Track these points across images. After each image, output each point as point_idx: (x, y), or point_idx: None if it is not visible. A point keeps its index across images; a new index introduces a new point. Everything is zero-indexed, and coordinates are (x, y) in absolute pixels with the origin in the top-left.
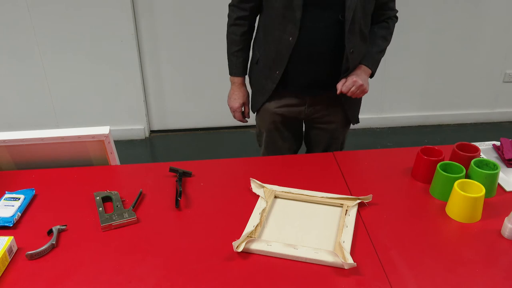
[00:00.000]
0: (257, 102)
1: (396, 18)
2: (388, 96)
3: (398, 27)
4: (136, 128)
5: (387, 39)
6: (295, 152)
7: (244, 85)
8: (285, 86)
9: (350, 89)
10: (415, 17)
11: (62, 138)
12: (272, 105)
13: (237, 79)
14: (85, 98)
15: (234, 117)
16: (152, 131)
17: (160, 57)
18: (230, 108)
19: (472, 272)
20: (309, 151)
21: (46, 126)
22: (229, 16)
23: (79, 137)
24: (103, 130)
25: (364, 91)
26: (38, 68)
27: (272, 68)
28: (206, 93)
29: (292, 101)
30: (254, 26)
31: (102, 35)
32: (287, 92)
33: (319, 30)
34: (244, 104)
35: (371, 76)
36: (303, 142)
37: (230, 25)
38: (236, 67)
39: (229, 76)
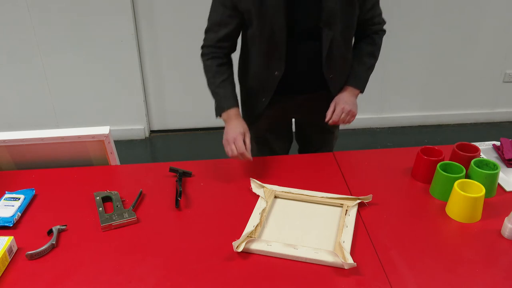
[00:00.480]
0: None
1: (384, 31)
2: (388, 96)
3: (398, 27)
4: (136, 128)
5: (374, 55)
6: (288, 149)
7: (241, 118)
8: (271, 108)
9: (340, 117)
10: (415, 17)
11: (62, 138)
12: (260, 124)
13: (232, 112)
14: (85, 98)
15: (231, 151)
16: (152, 131)
17: (160, 57)
18: (226, 143)
19: (472, 272)
20: (302, 150)
21: (46, 126)
22: (203, 54)
23: (79, 137)
24: (103, 130)
25: (353, 116)
26: (38, 68)
27: (257, 97)
28: (206, 93)
29: (279, 113)
30: (232, 61)
31: (102, 35)
32: (274, 110)
33: (302, 62)
34: (245, 134)
35: (362, 91)
36: (295, 141)
37: (208, 63)
38: (226, 98)
39: (221, 116)
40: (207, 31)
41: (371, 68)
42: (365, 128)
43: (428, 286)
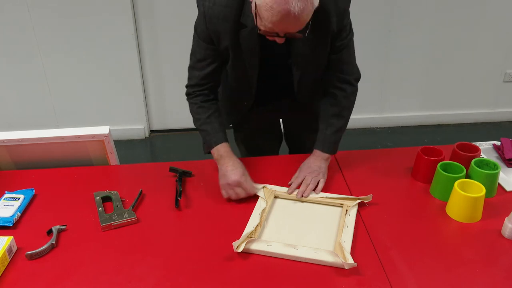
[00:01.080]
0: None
1: (354, 87)
2: (388, 96)
3: (398, 26)
4: (136, 128)
5: (342, 116)
6: (277, 148)
7: (235, 156)
8: (254, 110)
9: (303, 191)
10: (415, 17)
11: (62, 138)
12: (246, 123)
13: (222, 149)
14: (85, 98)
15: (234, 195)
16: (152, 131)
17: (160, 56)
18: (226, 187)
19: (472, 272)
20: (293, 151)
21: (46, 126)
22: (188, 94)
23: (79, 137)
24: (103, 130)
25: (321, 183)
26: (38, 68)
27: (232, 113)
28: None
29: (263, 114)
30: (217, 96)
31: (102, 35)
32: (257, 112)
33: (273, 91)
34: (245, 174)
35: (333, 152)
36: (285, 142)
37: (192, 101)
38: (213, 134)
39: (211, 153)
40: (190, 68)
41: (341, 129)
42: (365, 128)
43: (428, 286)
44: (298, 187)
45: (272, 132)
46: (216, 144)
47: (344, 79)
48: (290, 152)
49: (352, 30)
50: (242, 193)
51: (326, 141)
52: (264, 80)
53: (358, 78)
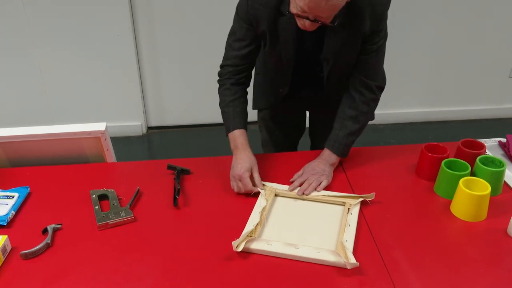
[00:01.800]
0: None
1: (375, 96)
2: (391, 91)
3: (402, 21)
4: (133, 125)
5: (358, 120)
6: (298, 138)
7: (249, 148)
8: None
9: (303, 190)
10: (420, 11)
11: (58, 134)
12: (269, 111)
13: (238, 136)
14: (81, 94)
15: (237, 188)
16: (149, 128)
17: (158, 51)
18: (232, 178)
19: (477, 272)
20: (312, 145)
21: (41, 122)
22: (221, 74)
23: (74, 133)
24: (99, 126)
25: (324, 183)
26: (33, 63)
27: (266, 97)
28: (205, 89)
29: (291, 105)
30: (248, 85)
31: (98, 29)
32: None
33: (306, 82)
34: (253, 169)
35: (342, 156)
36: (308, 136)
37: (221, 82)
38: (233, 118)
39: (228, 138)
40: (228, 47)
41: (354, 133)
42: (367, 125)
43: (432, 286)
44: (300, 185)
45: (297, 122)
46: (234, 129)
47: (366, 84)
48: (312, 148)
49: (387, 35)
50: (241, 188)
51: (337, 141)
52: (298, 73)
53: (380, 87)
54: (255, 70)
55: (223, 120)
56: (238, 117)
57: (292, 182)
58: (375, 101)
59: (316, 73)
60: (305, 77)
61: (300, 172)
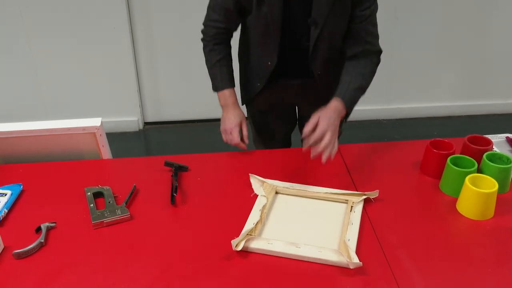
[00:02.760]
0: (242, 97)
1: (376, 57)
2: (395, 86)
3: (406, 13)
4: (129, 120)
5: (364, 76)
6: (288, 137)
7: (238, 105)
8: (268, 91)
9: (317, 141)
10: (424, 4)
11: (51, 130)
12: (258, 103)
13: (228, 95)
14: (76, 88)
15: (228, 140)
16: (146, 123)
17: (154, 44)
18: (223, 132)
19: (484, 271)
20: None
21: (34, 117)
22: (203, 32)
23: (69, 129)
24: (95, 122)
25: (334, 151)
26: (26, 57)
27: (253, 82)
28: (203, 83)
29: (277, 97)
30: (230, 41)
31: (93, 21)
32: (271, 93)
33: (292, 57)
34: (242, 124)
35: (346, 115)
36: (298, 128)
37: (205, 43)
38: (222, 78)
39: (217, 95)
40: (209, 8)
41: (362, 89)
42: (371, 120)
43: (437, 286)
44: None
45: (286, 117)
46: (223, 88)
47: (370, 48)
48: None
49: (377, 4)
50: (232, 141)
51: (348, 92)
52: (285, 46)
53: (381, 51)
54: (238, 58)
55: (211, 78)
56: (226, 78)
57: (304, 139)
58: (378, 65)
59: (303, 46)
60: (293, 52)
61: (313, 121)
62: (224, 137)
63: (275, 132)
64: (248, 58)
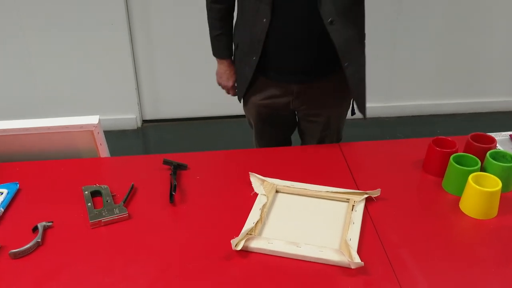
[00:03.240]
0: (240, 91)
1: None
2: (397, 83)
3: (408, 7)
4: (128, 118)
5: None
6: (288, 138)
7: (233, 64)
8: (266, 74)
9: None
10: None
11: (48, 128)
12: (256, 98)
13: (224, 60)
14: (73, 85)
15: (228, 93)
16: (144, 121)
17: (153, 41)
18: (223, 86)
19: (487, 271)
20: (303, 143)
21: (31, 115)
22: (207, 3)
23: (66, 127)
24: (92, 119)
25: None
26: (22, 53)
27: (248, 54)
28: (203, 80)
29: (277, 91)
30: (234, 9)
31: (91, 17)
32: (270, 81)
33: (293, 10)
34: (231, 78)
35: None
36: (297, 132)
37: (208, 8)
38: (220, 49)
39: (216, 58)
40: None
41: None
42: (372, 118)
43: (440, 286)
44: None
45: (285, 119)
46: (220, 57)
47: None
48: (302, 143)
49: None
50: (231, 94)
51: None
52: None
53: None
54: (234, 42)
55: (211, 44)
56: (224, 49)
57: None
58: None
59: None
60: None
61: None
62: (217, 79)
63: (275, 139)
64: (243, 29)
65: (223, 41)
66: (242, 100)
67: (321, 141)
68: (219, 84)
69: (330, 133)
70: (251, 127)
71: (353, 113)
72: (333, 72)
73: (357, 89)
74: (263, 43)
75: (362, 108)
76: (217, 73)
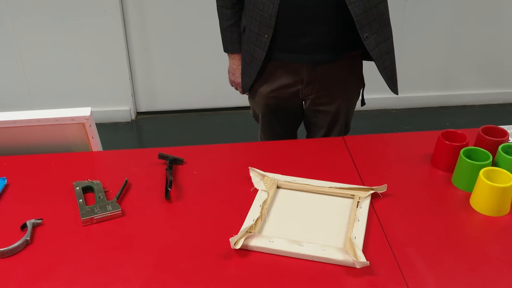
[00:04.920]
0: (248, 77)
1: None
2: (404, 73)
3: None
4: (121, 110)
5: None
6: (294, 132)
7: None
8: (276, 57)
9: None
10: None
11: (38, 120)
12: (264, 89)
13: (237, 55)
14: (64, 76)
15: (235, 79)
16: (138, 113)
17: (148, 29)
18: (233, 83)
19: (499, 271)
20: (308, 135)
21: (19, 107)
22: None
23: (56, 119)
24: (84, 111)
25: None
26: (10, 41)
27: (259, 33)
28: (200, 70)
29: (286, 80)
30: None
31: (82, 4)
32: (280, 68)
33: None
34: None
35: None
36: (304, 125)
37: (219, 3)
38: (232, 43)
39: (227, 54)
40: None
41: None
42: (379, 110)
43: (449, 286)
44: None
45: (292, 111)
46: (232, 52)
47: None
48: (308, 135)
49: None
50: (242, 92)
51: None
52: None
53: None
54: (241, 26)
55: (222, 38)
56: (236, 42)
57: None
58: None
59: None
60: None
61: None
62: (230, 77)
63: (281, 132)
64: (253, 6)
65: (235, 32)
66: (248, 92)
67: (328, 133)
68: (232, 81)
69: (339, 124)
70: (257, 120)
71: (363, 103)
72: (347, 53)
73: (383, 63)
74: (275, 18)
75: (392, 85)
76: (230, 70)
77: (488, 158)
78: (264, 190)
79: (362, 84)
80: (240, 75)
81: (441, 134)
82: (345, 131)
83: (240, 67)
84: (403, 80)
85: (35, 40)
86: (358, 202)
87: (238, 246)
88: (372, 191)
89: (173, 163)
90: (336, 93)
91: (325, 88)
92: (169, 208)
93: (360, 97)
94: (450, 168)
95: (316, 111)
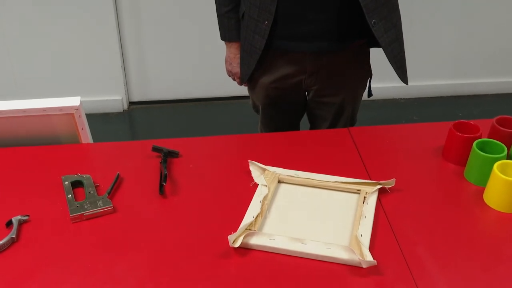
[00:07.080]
0: (246, 70)
1: None
2: (413, 61)
3: None
4: (112, 99)
5: None
6: (297, 125)
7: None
8: (277, 45)
9: None
10: None
11: (24, 111)
12: (265, 80)
13: (234, 43)
14: (52, 63)
15: (233, 69)
16: (131, 103)
17: (141, 14)
18: (230, 73)
19: None
20: (312, 128)
21: (4, 96)
22: None
23: (44, 109)
24: (73, 101)
25: None
26: None
27: (259, 19)
28: (196, 58)
29: (288, 70)
30: None
31: None
32: (282, 56)
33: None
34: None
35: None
36: (307, 117)
37: None
38: (230, 30)
39: (224, 42)
40: None
41: None
42: (387, 99)
43: (461, 287)
44: None
45: (294, 102)
46: (230, 39)
47: None
48: (311, 127)
49: None
50: (239, 83)
51: None
52: None
53: None
54: (240, 12)
55: (219, 25)
56: (234, 29)
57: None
58: None
59: None
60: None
61: None
62: (227, 66)
63: (283, 125)
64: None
65: (233, 19)
66: (248, 83)
67: (333, 125)
68: (229, 71)
69: (344, 116)
70: (257, 112)
71: (370, 94)
72: (353, 42)
73: (392, 51)
74: (276, 3)
75: (402, 74)
76: (227, 60)
77: (503, 151)
78: (264, 185)
79: (369, 74)
80: (238, 65)
81: (452, 125)
82: (350, 123)
83: (238, 56)
84: (412, 68)
85: (22, 26)
86: (364, 197)
87: (237, 244)
88: (379, 186)
89: (167, 156)
90: (341, 83)
91: (330, 79)
92: (164, 204)
93: (367, 88)
94: (462, 161)
95: (320, 103)
